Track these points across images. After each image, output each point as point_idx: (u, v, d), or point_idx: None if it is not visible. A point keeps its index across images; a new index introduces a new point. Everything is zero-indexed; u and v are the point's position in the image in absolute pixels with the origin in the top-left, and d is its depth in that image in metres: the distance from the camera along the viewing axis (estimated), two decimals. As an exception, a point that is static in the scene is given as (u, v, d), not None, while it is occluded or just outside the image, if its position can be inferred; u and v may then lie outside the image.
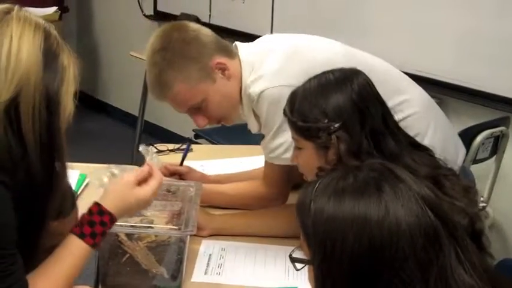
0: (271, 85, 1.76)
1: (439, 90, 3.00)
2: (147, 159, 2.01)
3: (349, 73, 1.55)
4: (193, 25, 1.88)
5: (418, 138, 1.67)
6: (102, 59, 5.45)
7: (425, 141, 1.74)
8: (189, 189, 1.77)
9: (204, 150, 2.54)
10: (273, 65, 1.80)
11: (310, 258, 1.05)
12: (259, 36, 2.02)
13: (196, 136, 3.39)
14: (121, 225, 1.51)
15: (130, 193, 1.43)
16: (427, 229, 1.00)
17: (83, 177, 2.07)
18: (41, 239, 1.27)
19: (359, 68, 1.62)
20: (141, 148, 1.90)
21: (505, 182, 2.85)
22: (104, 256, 1.59)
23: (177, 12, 4.40)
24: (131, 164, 2.19)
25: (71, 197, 1.46)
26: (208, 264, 1.70)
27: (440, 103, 2.91)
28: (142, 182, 1.46)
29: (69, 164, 1.29)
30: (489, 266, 1.34)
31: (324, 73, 1.57)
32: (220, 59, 1.82)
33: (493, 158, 2.77)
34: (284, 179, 1.90)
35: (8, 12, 1.21)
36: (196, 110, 1.85)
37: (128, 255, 1.58)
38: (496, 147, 2.73)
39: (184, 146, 2.32)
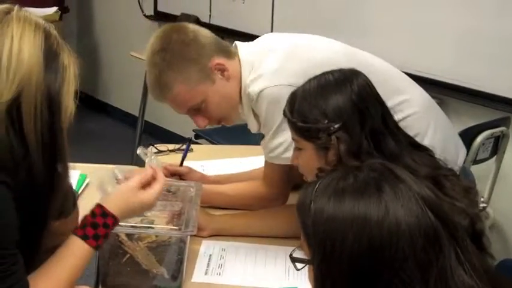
0: (271, 84, 1.76)
1: (439, 90, 3.00)
2: (146, 161, 2.01)
3: (348, 74, 1.55)
4: (193, 26, 1.88)
5: (418, 138, 1.67)
6: (102, 59, 5.45)
7: (425, 142, 1.74)
8: (189, 190, 1.77)
9: (204, 151, 2.54)
10: (272, 64, 1.80)
11: (310, 258, 1.05)
12: (259, 37, 2.03)
13: (197, 136, 3.39)
14: (121, 226, 1.51)
15: (134, 196, 1.44)
16: (427, 230, 1.00)
17: (83, 178, 2.07)
18: (42, 239, 1.27)
19: (359, 67, 1.62)
20: (139, 151, 1.90)
21: (505, 182, 2.85)
22: (105, 256, 1.59)
23: (177, 13, 4.40)
24: (131, 164, 2.19)
25: (72, 197, 1.46)
26: (208, 265, 1.71)
27: (440, 103, 2.91)
28: (146, 185, 1.47)
29: (70, 164, 1.29)
30: (489, 266, 1.34)
31: (324, 74, 1.57)
32: (220, 60, 1.82)
33: (494, 159, 2.77)
34: (284, 179, 1.90)
35: (8, 12, 1.21)
36: (196, 110, 1.85)
37: (128, 255, 1.58)
38: (496, 147, 2.73)
39: (184, 146, 2.32)
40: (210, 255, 1.75)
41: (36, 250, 1.27)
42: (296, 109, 1.54)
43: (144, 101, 4.22)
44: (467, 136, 2.44)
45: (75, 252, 1.33)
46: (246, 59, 1.86)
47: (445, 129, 1.95)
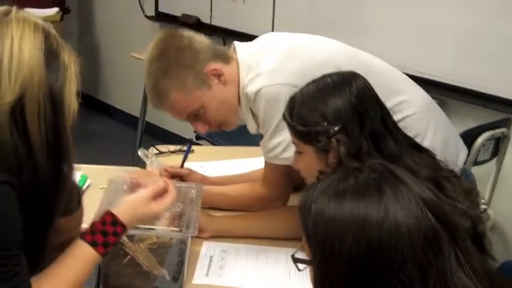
0: (269, 83, 1.76)
1: (440, 91, 3.00)
2: (147, 163, 2.02)
3: (347, 76, 1.55)
4: (187, 33, 1.89)
5: (417, 139, 1.67)
6: (103, 60, 5.45)
7: (426, 142, 1.74)
8: (190, 191, 1.77)
9: (205, 152, 2.54)
10: (271, 63, 1.80)
11: (311, 258, 1.06)
12: (262, 35, 2.03)
13: (197, 137, 3.39)
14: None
15: (145, 207, 1.46)
16: (427, 231, 1.00)
17: (84, 179, 2.07)
18: (48, 238, 1.27)
19: (359, 68, 1.62)
20: (140, 153, 1.90)
21: (506, 183, 2.85)
22: (106, 257, 1.59)
23: (178, 13, 4.41)
24: (133, 165, 2.19)
25: (77, 194, 1.47)
26: (209, 266, 1.71)
27: (441, 104, 2.91)
28: (157, 196, 1.49)
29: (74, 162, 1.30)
30: (490, 268, 1.34)
31: (323, 77, 1.57)
32: (215, 65, 1.83)
33: (494, 160, 2.77)
34: (284, 180, 1.90)
35: (6, 14, 1.21)
36: (195, 117, 1.86)
37: (129, 256, 1.58)
38: (497, 148, 2.73)
39: (185, 148, 2.32)
40: (211, 256, 1.75)
41: (42, 250, 1.28)
42: (295, 113, 1.54)
43: (145, 102, 4.22)
44: (468, 137, 2.44)
45: (83, 257, 1.33)
46: (244, 60, 1.86)
47: (446, 130, 1.95)
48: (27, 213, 1.18)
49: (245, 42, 1.95)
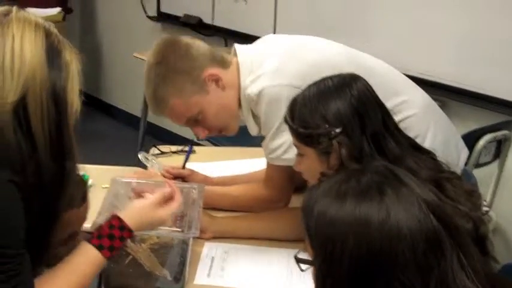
0: (271, 84, 1.77)
1: (442, 93, 3.00)
2: (148, 166, 2.02)
3: (348, 79, 1.55)
4: (186, 39, 1.90)
5: (418, 140, 1.67)
6: (105, 60, 5.46)
7: (426, 143, 1.74)
8: (192, 191, 1.77)
9: (206, 152, 2.54)
10: (272, 64, 1.81)
11: (313, 259, 1.06)
12: (265, 36, 2.03)
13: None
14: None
15: (152, 213, 1.48)
16: (429, 234, 1.00)
17: (86, 178, 2.07)
18: (52, 236, 1.27)
19: (359, 69, 1.62)
20: (140, 156, 1.91)
21: (507, 185, 2.85)
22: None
23: (180, 14, 4.41)
24: (134, 166, 2.19)
25: (82, 188, 1.47)
26: (211, 267, 1.71)
27: (442, 106, 2.90)
28: (163, 201, 1.51)
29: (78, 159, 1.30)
30: (492, 270, 1.34)
31: (323, 79, 1.57)
32: (213, 71, 1.84)
33: (496, 162, 2.77)
34: (286, 181, 1.90)
35: (7, 14, 1.22)
36: (194, 122, 1.87)
37: (130, 257, 1.58)
38: (498, 151, 2.73)
39: (187, 148, 2.32)
40: (213, 257, 1.75)
41: (45, 247, 1.28)
42: (297, 115, 1.54)
43: (146, 102, 4.22)
44: (470, 139, 2.43)
45: (89, 260, 1.34)
46: (245, 62, 1.86)
47: (446, 130, 1.95)
48: (31, 212, 1.18)
49: (246, 45, 1.96)
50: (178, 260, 1.61)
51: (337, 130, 1.48)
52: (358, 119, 1.49)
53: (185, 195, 1.77)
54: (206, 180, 2.07)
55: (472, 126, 2.68)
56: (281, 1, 3.76)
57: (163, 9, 4.65)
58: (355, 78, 1.56)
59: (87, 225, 1.55)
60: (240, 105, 1.88)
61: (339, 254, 1.00)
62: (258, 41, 1.99)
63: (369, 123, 1.50)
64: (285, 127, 1.65)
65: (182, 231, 1.58)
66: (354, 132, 1.49)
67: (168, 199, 1.52)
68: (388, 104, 1.60)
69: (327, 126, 1.49)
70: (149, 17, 4.79)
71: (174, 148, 2.44)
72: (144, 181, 1.82)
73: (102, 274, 1.64)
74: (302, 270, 1.11)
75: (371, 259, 0.98)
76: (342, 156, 1.48)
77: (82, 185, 1.48)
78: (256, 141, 2.00)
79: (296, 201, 1.91)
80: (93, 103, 5.27)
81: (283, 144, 1.79)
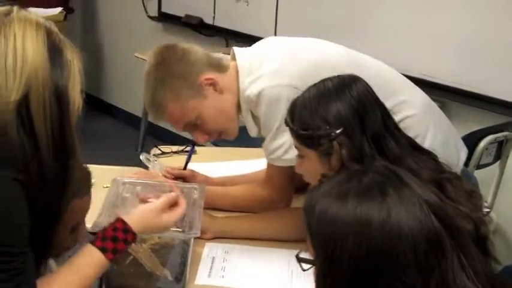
0: (270, 84, 1.77)
1: (442, 94, 3.00)
2: (150, 166, 2.03)
3: (347, 80, 1.56)
4: (183, 45, 1.91)
5: (417, 140, 1.67)
6: (106, 60, 5.46)
7: (426, 144, 1.74)
8: (193, 192, 1.78)
9: (207, 153, 2.54)
10: (271, 65, 1.81)
11: (314, 258, 1.06)
12: (262, 39, 2.03)
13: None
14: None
15: (156, 218, 1.48)
16: (430, 235, 1.00)
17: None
18: (55, 235, 1.28)
19: (358, 69, 1.62)
20: (142, 157, 1.92)
21: (508, 187, 2.85)
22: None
23: (181, 14, 4.41)
24: (135, 166, 2.19)
25: (87, 178, 1.47)
26: (211, 267, 1.71)
27: (443, 107, 2.91)
28: (167, 207, 1.52)
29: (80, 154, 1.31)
30: (493, 271, 1.34)
31: (323, 81, 1.57)
32: (209, 75, 1.85)
33: (497, 163, 2.77)
34: (286, 181, 1.90)
35: (8, 13, 1.22)
36: (193, 126, 1.89)
37: (131, 257, 1.58)
38: (499, 152, 2.73)
39: (188, 148, 2.32)
40: (213, 257, 1.75)
41: (48, 246, 1.28)
42: (297, 117, 1.54)
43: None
44: (471, 141, 2.44)
45: (92, 262, 1.35)
46: (244, 64, 1.87)
47: (446, 131, 1.95)
48: (34, 211, 1.18)
49: (245, 47, 1.97)
50: (179, 260, 1.61)
51: (338, 131, 1.48)
52: (359, 120, 1.50)
53: (186, 196, 1.77)
54: (206, 181, 2.07)
55: (473, 127, 2.69)
56: (282, 2, 3.76)
57: (165, 9, 4.66)
58: (355, 80, 1.56)
59: (88, 225, 1.55)
60: (239, 108, 1.88)
61: (339, 254, 1.00)
62: (257, 43, 2.00)
63: (369, 124, 1.50)
64: (285, 127, 1.65)
65: (183, 231, 1.58)
66: (354, 133, 1.49)
67: (172, 204, 1.53)
68: (388, 104, 1.60)
69: (327, 127, 1.49)
70: (150, 17, 4.79)
71: (175, 148, 2.44)
72: (145, 181, 1.82)
73: (103, 274, 1.64)
74: (304, 270, 1.11)
75: (371, 259, 0.98)
76: (342, 157, 1.49)
77: (88, 176, 1.48)
78: (256, 142, 2.00)
79: (297, 201, 1.91)
80: (94, 103, 5.27)
81: (283, 145, 1.79)
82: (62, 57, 1.23)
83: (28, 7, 1.29)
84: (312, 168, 1.56)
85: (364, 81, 1.56)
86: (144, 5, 4.84)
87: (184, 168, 2.12)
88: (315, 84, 1.58)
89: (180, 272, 1.60)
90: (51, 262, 1.42)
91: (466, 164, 2.24)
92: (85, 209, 1.47)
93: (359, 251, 0.99)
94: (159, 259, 1.59)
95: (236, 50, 1.94)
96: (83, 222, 1.48)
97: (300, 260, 1.11)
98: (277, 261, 1.74)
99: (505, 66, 2.83)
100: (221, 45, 4.12)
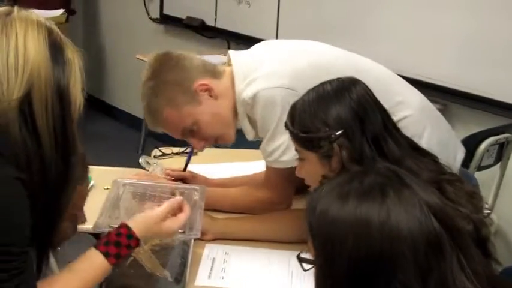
0: (266, 86, 1.78)
1: (444, 96, 3.01)
2: (150, 170, 2.03)
3: (347, 83, 1.56)
4: (177, 52, 1.93)
5: (414, 140, 1.67)
6: (108, 62, 5.47)
7: (422, 144, 1.74)
8: (193, 193, 1.78)
9: (207, 154, 2.53)
10: (268, 67, 1.82)
11: (314, 259, 1.06)
12: (264, 41, 2.03)
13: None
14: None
15: (160, 224, 1.49)
16: (430, 236, 1.00)
17: (88, 180, 2.07)
18: (55, 234, 1.28)
19: (357, 73, 1.62)
20: (141, 160, 1.93)
21: (509, 189, 2.85)
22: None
23: (183, 16, 4.42)
24: (136, 167, 2.20)
25: (85, 165, 1.48)
26: (211, 268, 1.71)
27: (444, 109, 2.92)
28: (172, 212, 1.52)
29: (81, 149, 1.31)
30: (494, 272, 1.34)
31: (322, 84, 1.58)
32: (204, 81, 1.86)
33: (498, 165, 2.77)
34: (285, 183, 1.90)
35: (8, 13, 1.23)
36: (190, 133, 1.89)
37: (131, 258, 1.58)
38: (500, 154, 2.73)
39: (188, 149, 2.32)
40: (214, 258, 1.75)
41: (48, 244, 1.28)
42: (297, 121, 1.55)
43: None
44: (472, 142, 2.44)
45: (94, 266, 1.35)
46: (240, 68, 1.87)
47: (443, 131, 1.95)
48: (36, 209, 1.18)
49: (241, 51, 1.97)
50: (179, 261, 1.61)
51: (338, 133, 1.49)
52: (359, 122, 1.50)
53: (187, 197, 1.77)
54: (206, 182, 2.07)
55: (475, 129, 2.69)
56: (284, 3, 3.77)
57: (166, 11, 4.67)
58: (355, 83, 1.56)
59: (89, 226, 1.55)
60: (235, 113, 1.88)
61: (338, 254, 1.00)
62: (255, 46, 2.00)
63: (369, 126, 1.50)
64: (282, 129, 1.66)
65: (183, 232, 1.58)
66: (354, 135, 1.49)
67: (177, 209, 1.53)
68: (385, 106, 1.61)
69: (327, 129, 1.49)
70: (152, 19, 4.80)
71: (175, 150, 2.44)
72: (145, 182, 1.82)
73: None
74: (304, 270, 1.11)
75: (370, 259, 0.98)
76: (342, 159, 1.49)
77: (85, 162, 1.48)
78: (256, 144, 2.01)
79: (297, 202, 1.91)
80: (96, 104, 5.28)
81: (281, 146, 1.79)
82: (63, 55, 1.23)
83: (29, 9, 1.29)
84: (313, 171, 1.56)
85: (363, 83, 1.56)
86: (146, 6, 4.84)
87: (184, 169, 2.12)
88: (314, 88, 1.58)
89: (180, 273, 1.60)
90: (52, 261, 1.42)
91: (467, 165, 2.24)
92: (83, 196, 1.47)
93: (358, 251, 0.99)
94: (159, 260, 1.59)
95: (232, 54, 1.94)
96: (81, 209, 1.48)
97: (301, 260, 1.12)
98: (277, 262, 1.74)
99: (506, 68, 2.83)
100: (223, 47, 4.13)
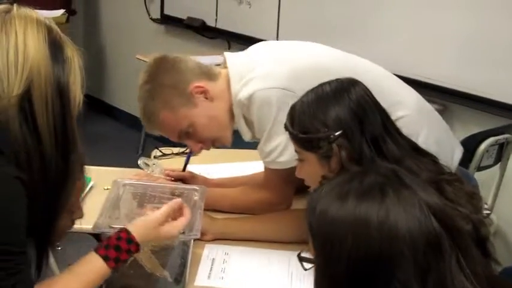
0: (261, 87, 1.78)
1: (443, 96, 3.01)
2: (149, 171, 2.03)
3: (346, 84, 1.56)
4: (173, 55, 1.93)
5: None
6: (108, 62, 5.47)
7: (419, 143, 1.74)
8: (193, 194, 1.78)
9: (207, 154, 2.53)
10: (262, 69, 1.82)
11: (314, 258, 1.06)
12: (264, 41, 2.03)
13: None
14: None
15: (158, 229, 1.49)
16: (429, 236, 1.00)
17: (87, 180, 2.07)
18: (53, 234, 1.28)
19: (355, 74, 1.62)
20: (140, 162, 1.93)
21: (509, 189, 2.85)
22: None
23: (183, 16, 4.42)
24: (136, 168, 2.20)
25: (82, 160, 1.48)
26: (211, 269, 1.71)
27: (444, 109, 2.92)
28: (172, 215, 1.52)
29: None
30: (493, 272, 1.34)
31: (321, 85, 1.58)
32: (199, 83, 1.86)
33: (498, 166, 2.77)
34: (284, 183, 1.90)
35: (8, 11, 1.23)
36: (186, 135, 1.90)
37: (131, 258, 1.58)
38: (500, 154, 2.73)
39: (188, 150, 2.32)
40: (213, 259, 1.75)
41: (47, 243, 1.29)
42: (296, 122, 1.55)
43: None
44: (472, 143, 2.44)
45: (94, 270, 1.35)
46: (236, 70, 1.88)
47: (440, 131, 1.95)
48: (35, 208, 1.18)
49: (237, 52, 1.98)
50: (179, 262, 1.61)
51: (337, 133, 1.49)
52: (358, 123, 1.50)
53: (186, 198, 1.77)
54: (206, 182, 2.07)
55: (474, 129, 2.69)
56: (284, 4, 3.77)
57: (167, 11, 4.67)
58: (354, 83, 1.56)
59: (89, 226, 1.56)
60: (232, 115, 1.88)
61: (337, 253, 1.00)
62: (251, 47, 2.01)
63: (369, 126, 1.50)
64: (279, 129, 1.66)
65: (183, 232, 1.58)
66: (353, 135, 1.49)
67: (177, 211, 1.53)
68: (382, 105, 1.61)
69: (326, 130, 1.50)
70: (153, 20, 4.80)
71: (176, 150, 2.44)
72: (145, 183, 1.83)
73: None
74: (305, 269, 1.11)
75: (369, 258, 0.99)
76: (342, 159, 1.49)
77: (82, 157, 1.48)
78: (256, 144, 2.01)
79: (297, 202, 1.91)
80: (96, 105, 5.28)
81: (278, 147, 1.80)
82: (62, 53, 1.24)
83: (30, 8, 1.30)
84: (312, 172, 1.56)
85: (363, 84, 1.56)
86: (146, 7, 4.85)
87: (183, 169, 2.13)
88: (313, 89, 1.58)
89: (180, 273, 1.60)
90: (52, 261, 1.43)
91: (467, 166, 2.24)
92: (79, 189, 1.47)
93: (358, 251, 0.99)
94: (159, 260, 1.59)
95: (228, 55, 1.95)
96: (78, 202, 1.48)
97: (301, 259, 1.12)
98: (277, 262, 1.74)
99: (506, 68, 2.83)
100: (223, 48, 4.13)
